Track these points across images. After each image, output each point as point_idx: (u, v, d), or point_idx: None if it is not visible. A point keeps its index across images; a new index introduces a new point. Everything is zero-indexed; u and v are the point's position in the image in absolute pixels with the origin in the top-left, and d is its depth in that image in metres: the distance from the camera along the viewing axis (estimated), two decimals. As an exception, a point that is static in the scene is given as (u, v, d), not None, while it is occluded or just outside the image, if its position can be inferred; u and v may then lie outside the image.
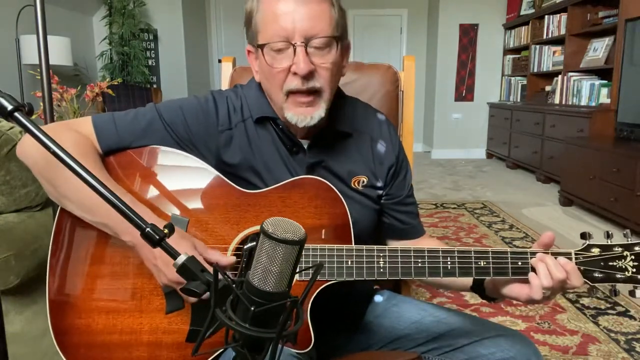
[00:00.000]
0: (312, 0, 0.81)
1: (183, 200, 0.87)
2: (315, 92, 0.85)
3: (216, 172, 0.88)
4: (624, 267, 0.81)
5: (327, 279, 0.82)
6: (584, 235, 0.83)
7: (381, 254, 0.82)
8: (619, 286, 0.83)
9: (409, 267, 0.82)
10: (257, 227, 0.86)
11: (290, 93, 0.85)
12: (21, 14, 3.90)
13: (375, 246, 0.82)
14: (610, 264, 0.82)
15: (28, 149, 0.84)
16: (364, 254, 0.82)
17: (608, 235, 0.83)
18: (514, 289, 0.83)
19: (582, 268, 0.81)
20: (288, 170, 0.91)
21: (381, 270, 0.82)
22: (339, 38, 0.86)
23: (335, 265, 0.81)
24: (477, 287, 0.90)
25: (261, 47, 0.83)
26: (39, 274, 1.33)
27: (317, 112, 0.86)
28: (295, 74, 0.82)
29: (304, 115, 0.85)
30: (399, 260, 0.82)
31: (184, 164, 0.89)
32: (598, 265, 0.82)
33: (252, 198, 0.87)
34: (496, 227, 3.43)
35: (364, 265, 0.82)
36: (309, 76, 0.82)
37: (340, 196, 0.86)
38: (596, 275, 0.82)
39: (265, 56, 0.83)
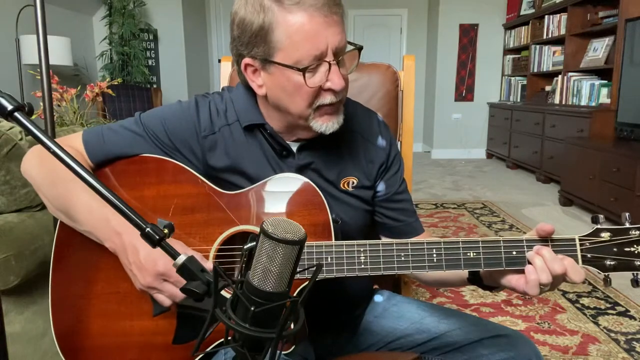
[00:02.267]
0: (336, 17, 0.80)
1: (169, 205, 0.88)
2: (341, 101, 0.86)
3: (200, 176, 0.89)
4: None
5: (307, 277, 0.79)
6: (595, 219, 0.75)
7: (362, 249, 0.79)
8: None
9: (392, 261, 0.78)
10: (239, 228, 0.86)
11: (321, 106, 0.85)
12: (21, 14, 3.90)
13: (355, 241, 0.80)
14: (627, 249, 0.72)
15: (28, 166, 0.89)
16: (344, 249, 0.79)
17: (627, 219, 0.73)
18: (511, 279, 0.78)
19: (589, 255, 0.73)
20: (275, 173, 0.90)
21: (362, 265, 0.79)
22: (358, 48, 0.87)
23: (314, 262, 0.79)
24: (474, 278, 0.86)
25: (302, 70, 0.80)
26: (39, 274, 1.33)
27: (340, 117, 0.88)
28: (328, 89, 0.83)
29: (332, 122, 0.86)
30: (381, 254, 0.79)
31: (170, 170, 0.90)
32: (610, 251, 0.73)
33: (233, 198, 0.88)
34: (496, 227, 3.43)
35: (344, 261, 0.79)
36: (343, 89, 0.84)
37: (319, 191, 0.85)
38: (609, 263, 0.72)
39: (298, 76, 0.80)
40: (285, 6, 0.77)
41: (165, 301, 0.78)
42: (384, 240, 0.81)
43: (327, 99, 0.84)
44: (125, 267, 0.80)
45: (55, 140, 0.93)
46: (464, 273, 0.86)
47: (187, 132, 0.91)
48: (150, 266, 0.75)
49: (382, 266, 0.79)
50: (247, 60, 0.85)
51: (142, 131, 0.91)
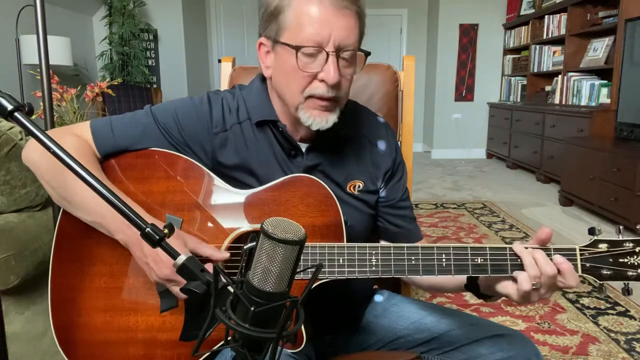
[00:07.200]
0: (348, 12, 0.81)
1: (177, 200, 0.87)
2: (334, 99, 0.85)
3: (210, 173, 0.89)
4: (635, 263, 0.76)
5: (318, 277, 0.81)
6: (592, 231, 0.79)
7: (373, 252, 0.80)
8: (632, 284, 0.77)
9: (402, 264, 0.80)
10: (250, 227, 0.86)
11: (311, 97, 0.84)
12: (21, 14, 3.90)
13: (367, 244, 0.81)
14: (621, 260, 0.77)
15: (31, 153, 0.86)
16: (356, 251, 0.81)
17: (619, 231, 0.78)
18: (508, 287, 0.80)
19: (588, 265, 0.78)
20: (284, 173, 0.91)
21: (373, 267, 0.80)
22: (364, 52, 0.87)
23: (326, 263, 0.80)
24: (471, 285, 0.88)
25: (295, 48, 0.81)
26: (39, 274, 1.33)
27: (332, 117, 0.86)
28: (322, 80, 0.82)
29: (321, 118, 0.85)
30: (392, 257, 0.80)
31: (180, 165, 0.89)
32: (606, 262, 0.77)
33: (244, 197, 0.88)
34: (496, 227, 3.43)
35: (356, 263, 0.80)
36: (336, 85, 0.83)
37: (332, 193, 0.86)
38: (605, 272, 0.77)
39: (297, 58, 0.81)
40: None
41: (181, 294, 0.78)
42: (395, 244, 0.82)
43: (319, 90, 0.83)
44: (138, 259, 0.80)
45: (62, 127, 0.93)
46: (462, 279, 0.89)
47: (198, 128, 0.91)
48: (168, 259, 0.75)
49: (392, 269, 0.80)
50: (262, 39, 0.88)
51: (152, 124, 0.90)
